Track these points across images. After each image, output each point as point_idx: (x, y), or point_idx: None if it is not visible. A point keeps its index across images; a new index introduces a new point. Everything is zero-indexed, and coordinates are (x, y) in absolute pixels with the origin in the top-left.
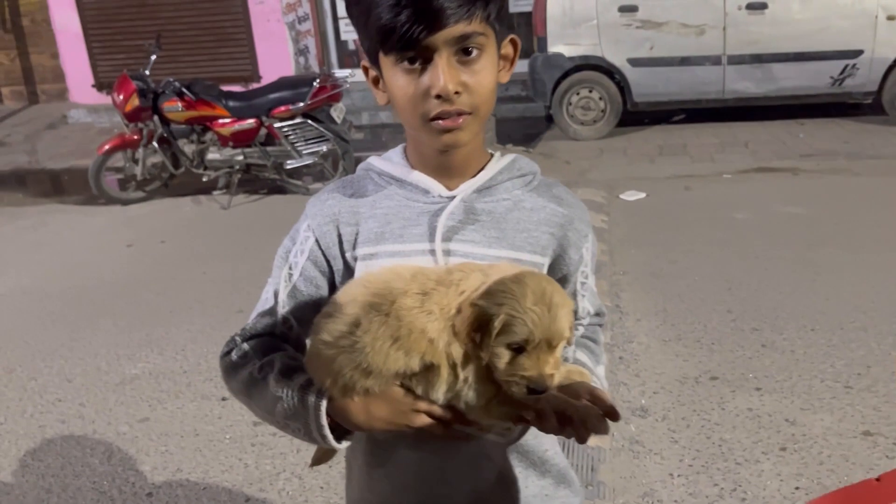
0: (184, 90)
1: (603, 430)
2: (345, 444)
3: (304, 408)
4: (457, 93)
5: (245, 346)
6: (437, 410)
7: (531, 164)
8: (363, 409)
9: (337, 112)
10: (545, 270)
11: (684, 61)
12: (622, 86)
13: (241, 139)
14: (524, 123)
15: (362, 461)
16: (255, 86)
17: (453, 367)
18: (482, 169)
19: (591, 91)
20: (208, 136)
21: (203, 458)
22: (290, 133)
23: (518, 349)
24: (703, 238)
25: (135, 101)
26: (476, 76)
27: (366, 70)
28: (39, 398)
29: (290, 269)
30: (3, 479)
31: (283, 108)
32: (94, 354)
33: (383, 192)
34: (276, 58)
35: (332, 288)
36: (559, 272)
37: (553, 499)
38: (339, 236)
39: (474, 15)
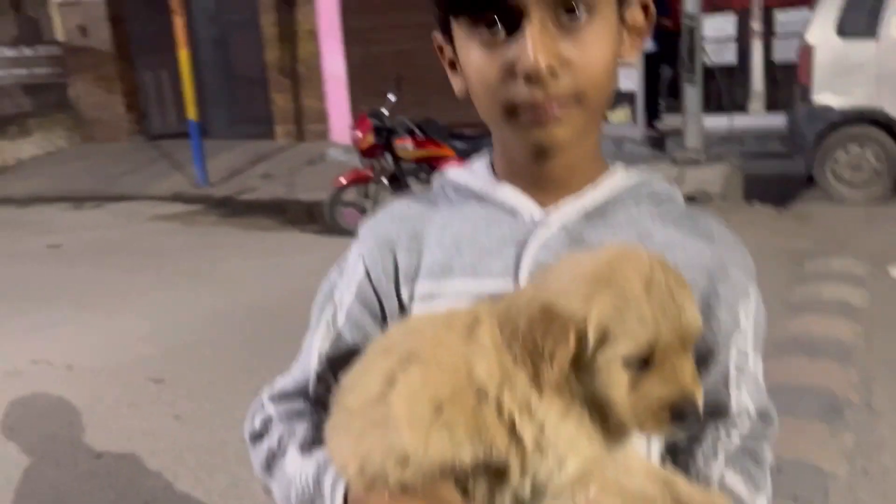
0: (414, 129)
1: None
2: None
3: (319, 492)
4: (552, 70)
5: (271, 409)
6: None
7: (669, 186)
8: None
9: None
10: None
11: None
12: None
13: None
14: (779, 182)
15: None
16: None
17: (512, 430)
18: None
19: (863, 148)
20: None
21: None
22: None
23: (641, 363)
24: None
25: (370, 139)
26: (583, 48)
27: (440, 49)
28: (229, 414)
29: (335, 310)
30: (177, 488)
31: None
32: None
33: (458, 211)
34: None
35: None
36: (700, 344)
37: None
38: (396, 266)
39: None
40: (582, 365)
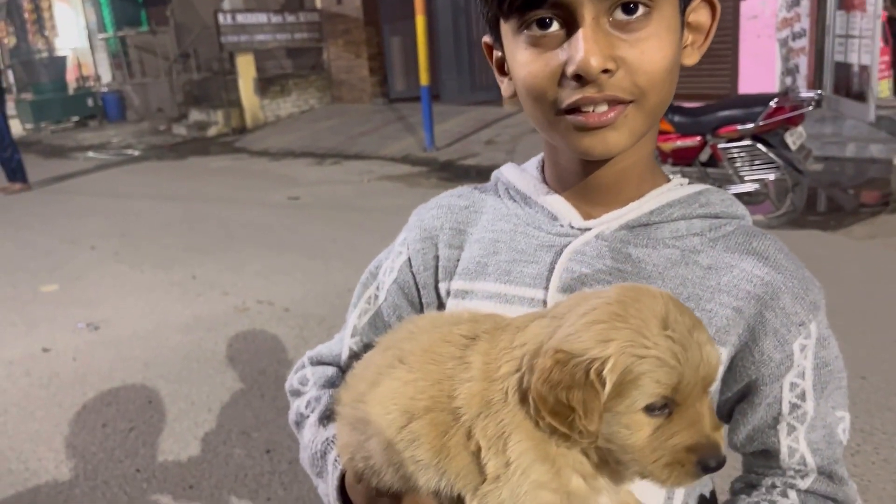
0: None
1: None
2: None
3: (325, 466)
4: (606, 71)
5: (309, 371)
6: None
7: (730, 203)
8: (370, 500)
9: (793, 137)
10: (720, 370)
11: None
12: None
13: (682, 157)
14: None
15: None
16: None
17: (476, 458)
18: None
19: None
20: None
21: None
22: (734, 156)
23: (661, 408)
24: None
25: None
26: (641, 47)
27: (488, 49)
28: None
29: (377, 289)
30: None
31: (730, 128)
32: None
33: (504, 210)
34: (759, 76)
35: None
36: (742, 377)
37: None
38: (437, 259)
39: None
40: (602, 409)
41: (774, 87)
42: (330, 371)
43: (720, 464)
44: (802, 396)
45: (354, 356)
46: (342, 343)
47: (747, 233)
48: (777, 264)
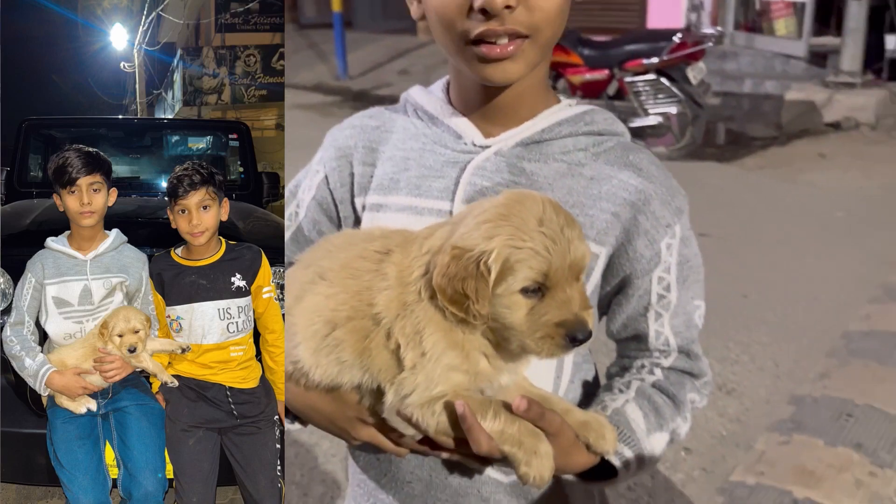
0: None
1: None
2: (298, 426)
3: None
4: (508, 7)
5: None
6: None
7: (611, 121)
8: (299, 394)
9: (694, 72)
10: (601, 265)
11: None
12: None
13: (590, 90)
14: None
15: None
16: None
17: (395, 355)
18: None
19: None
20: (560, 83)
21: None
22: (640, 89)
23: (535, 290)
24: None
25: None
26: None
27: None
28: None
29: (297, 206)
30: None
31: (636, 62)
32: None
33: (413, 129)
34: (666, 11)
35: None
36: (619, 273)
37: None
38: (352, 176)
39: None
40: (489, 293)
41: (679, 23)
42: None
43: (586, 336)
44: (668, 288)
45: None
46: None
47: (625, 147)
48: (649, 175)
